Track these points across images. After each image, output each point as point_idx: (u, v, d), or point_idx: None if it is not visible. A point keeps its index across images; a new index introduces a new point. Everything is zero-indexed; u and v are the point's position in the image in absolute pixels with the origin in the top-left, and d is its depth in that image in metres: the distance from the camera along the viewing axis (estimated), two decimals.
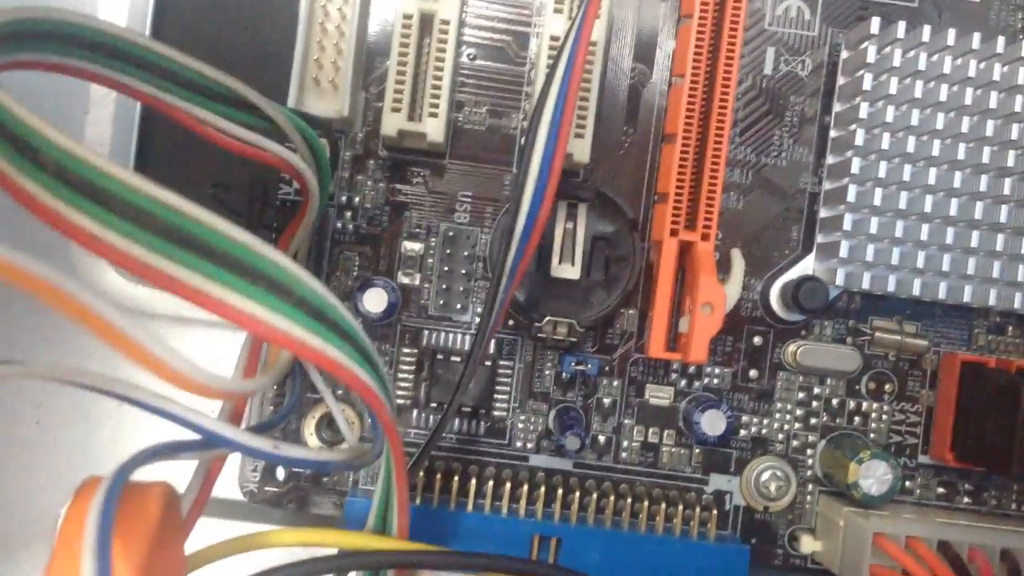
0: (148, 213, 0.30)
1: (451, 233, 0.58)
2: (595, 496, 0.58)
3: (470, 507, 0.57)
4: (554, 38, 0.54)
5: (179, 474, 0.40)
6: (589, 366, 0.58)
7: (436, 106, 0.54)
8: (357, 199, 0.58)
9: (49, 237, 0.57)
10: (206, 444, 0.36)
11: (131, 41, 0.41)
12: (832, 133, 0.58)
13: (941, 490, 0.60)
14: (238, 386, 0.33)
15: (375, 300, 0.55)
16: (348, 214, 0.58)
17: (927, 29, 0.54)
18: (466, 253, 0.58)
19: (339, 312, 0.34)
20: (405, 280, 0.58)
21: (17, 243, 0.27)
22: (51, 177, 0.30)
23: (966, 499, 0.60)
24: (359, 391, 0.34)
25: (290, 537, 0.43)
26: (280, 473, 0.58)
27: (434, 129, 0.53)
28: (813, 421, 0.59)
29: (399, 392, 0.58)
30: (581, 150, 0.54)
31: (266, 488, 0.58)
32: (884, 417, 0.59)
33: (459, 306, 0.58)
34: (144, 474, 0.35)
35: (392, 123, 0.53)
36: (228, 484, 0.57)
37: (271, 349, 0.49)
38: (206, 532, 0.42)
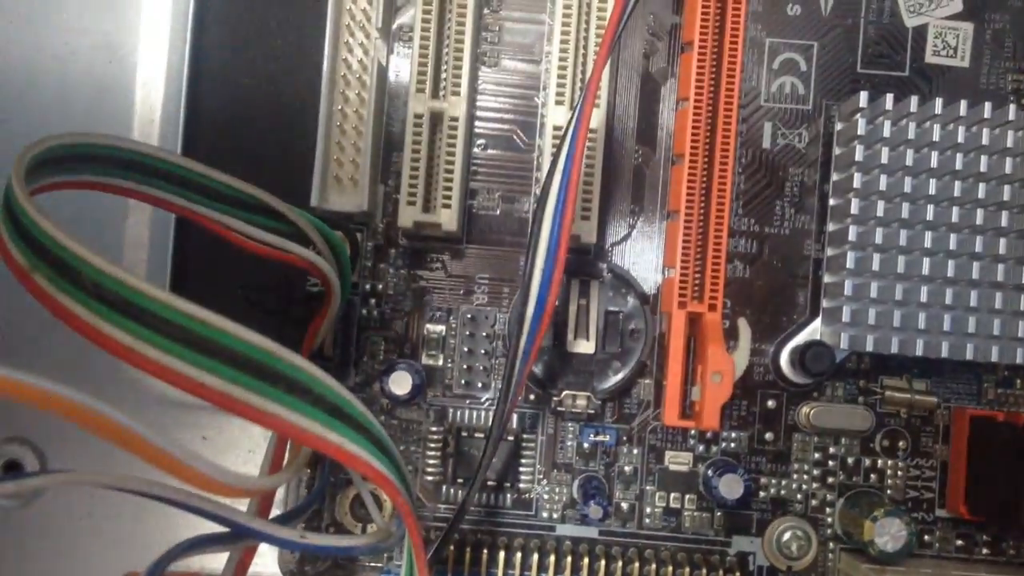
0: (176, 325, 0.33)
1: (470, 315, 0.60)
2: (621, 564, 0.59)
3: None
4: (556, 128, 0.57)
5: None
6: (608, 437, 0.60)
7: (449, 197, 0.57)
8: (380, 286, 0.61)
9: None
10: (235, 536, 0.39)
11: (162, 159, 0.45)
12: (831, 201, 0.60)
13: (960, 542, 0.61)
14: (262, 483, 0.36)
15: (400, 383, 0.58)
16: (372, 301, 0.61)
17: (915, 100, 0.56)
18: (485, 333, 0.60)
19: (355, 407, 0.36)
20: (429, 361, 0.61)
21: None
22: (89, 295, 0.33)
23: (985, 550, 0.61)
24: (375, 480, 0.37)
25: None
26: None
27: (448, 219, 0.57)
28: (831, 480, 0.61)
29: (429, 469, 0.61)
30: (588, 231, 0.57)
31: (306, 567, 0.60)
32: (900, 473, 0.61)
33: (480, 384, 0.60)
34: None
35: (408, 215, 0.57)
36: (269, 563, 0.60)
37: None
38: None
